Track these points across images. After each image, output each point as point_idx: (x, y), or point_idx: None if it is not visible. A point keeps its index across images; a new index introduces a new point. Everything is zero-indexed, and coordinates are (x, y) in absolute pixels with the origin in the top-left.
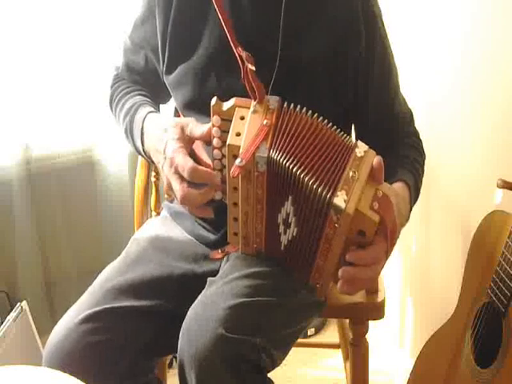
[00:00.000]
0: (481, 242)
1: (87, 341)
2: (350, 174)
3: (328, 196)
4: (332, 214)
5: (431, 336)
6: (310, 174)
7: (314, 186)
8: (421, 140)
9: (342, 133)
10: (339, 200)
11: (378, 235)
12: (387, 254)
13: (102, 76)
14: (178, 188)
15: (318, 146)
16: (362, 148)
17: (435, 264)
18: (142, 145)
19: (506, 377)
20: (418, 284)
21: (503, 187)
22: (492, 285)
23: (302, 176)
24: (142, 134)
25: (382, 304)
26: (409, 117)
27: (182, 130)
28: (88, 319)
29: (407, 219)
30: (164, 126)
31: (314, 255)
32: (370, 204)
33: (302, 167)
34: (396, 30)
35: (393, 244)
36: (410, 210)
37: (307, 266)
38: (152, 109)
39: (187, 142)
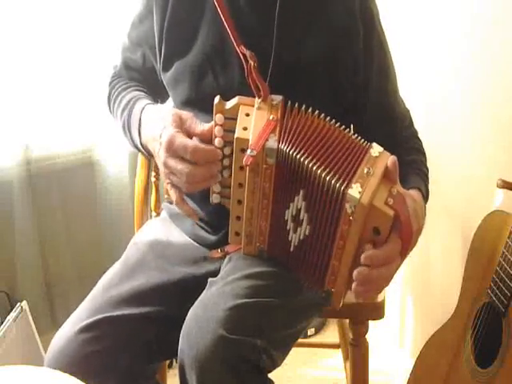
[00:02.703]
0: (481, 242)
1: (86, 350)
2: (365, 170)
3: (342, 188)
4: (346, 207)
5: (431, 336)
6: (323, 167)
7: (328, 178)
8: (421, 141)
9: (355, 134)
10: (354, 191)
11: (392, 233)
12: (402, 254)
13: (101, 76)
14: (180, 168)
15: (329, 141)
16: (376, 149)
17: (435, 264)
18: (140, 137)
19: (505, 377)
20: (418, 284)
21: (503, 187)
22: (492, 285)
23: (314, 169)
24: (139, 125)
25: (382, 304)
26: (408, 118)
27: (181, 119)
28: (88, 328)
29: (423, 226)
30: (162, 115)
31: (329, 255)
32: (385, 200)
33: (314, 160)
34: (395, 31)
35: (408, 246)
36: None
37: (322, 269)
38: (150, 101)
39: (185, 132)
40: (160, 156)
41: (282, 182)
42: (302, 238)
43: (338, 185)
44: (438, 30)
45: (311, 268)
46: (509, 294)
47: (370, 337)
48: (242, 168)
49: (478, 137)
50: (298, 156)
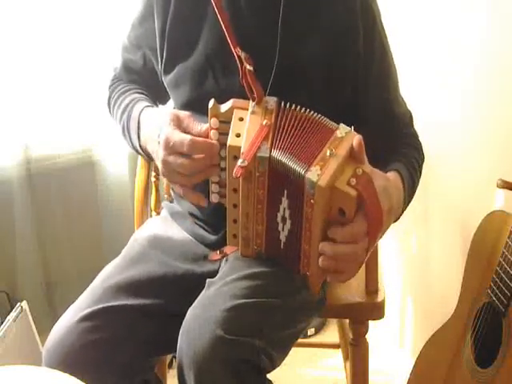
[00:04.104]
0: (481, 242)
1: (86, 339)
2: (328, 152)
3: (302, 172)
4: (307, 190)
5: (431, 336)
6: (293, 158)
7: (294, 166)
8: (420, 142)
9: (328, 120)
10: (312, 174)
11: (358, 213)
12: (372, 233)
13: (101, 76)
14: (179, 163)
15: (311, 138)
16: (343, 130)
17: (435, 264)
18: (139, 139)
19: (505, 377)
20: (418, 284)
21: (503, 187)
22: (492, 285)
23: (289, 163)
24: (138, 127)
25: (382, 304)
26: (408, 118)
27: (178, 119)
28: (87, 317)
29: (402, 211)
30: (160, 116)
31: (299, 239)
32: (348, 180)
33: (294, 157)
34: (396, 31)
35: (378, 225)
36: (406, 204)
37: (296, 254)
38: (149, 104)
39: (182, 131)
40: (159, 155)
41: (274, 186)
42: (286, 234)
43: (299, 170)
44: (437, 30)
45: (288, 254)
46: (509, 294)
47: (370, 337)
48: None
49: (478, 137)
50: (287, 161)
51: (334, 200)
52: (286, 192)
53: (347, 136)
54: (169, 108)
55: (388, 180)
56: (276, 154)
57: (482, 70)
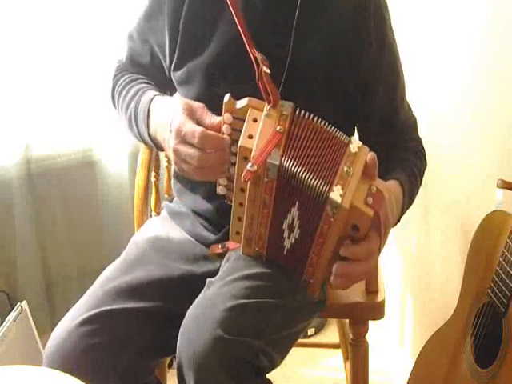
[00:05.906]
0: (481, 241)
1: (86, 343)
2: (345, 169)
3: (325, 191)
4: (328, 209)
5: (431, 336)
6: (310, 173)
7: (313, 182)
8: (423, 148)
9: (340, 132)
10: (335, 195)
11: (371, 230)
12: (380, 248)
13: (101, 76)
14: (189, 153)
15: (325, 151)
16: (355, 144)
17: (435, 264)
18: (148, 128)
19: (506, 377)
20: (417, 284)
21: (503, 187)
22: (492, 285)
23: (305, 178)
24: (148, 116)
25: (382, 304)
26: (413, 124)
27: (192, 108)
28: (87, 321)
29: (398, 220)
30: (172, 105)
31: (308, 251)
32: (365, 199)
33: (309, 172)
34: (396, 31)
35: (385, 240)
36: (402, 213)
37: (302, 263)
38: (158, 93)
39: (195, 122)
40: (170, 143)
41: (282, 194)
42: (292, 242)
43: (321, 188)
44: (438, 31)
45: (293, 262)
46: (509, 294)
47: (369, 337)
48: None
49: (478, 137)
50: (298, 172)
51: (350, 218)
52: (297, 203)
53: (361, 152)
54: (181, 97)
55: (390, 192)
56: (287, 163)
57: (482, 70)
